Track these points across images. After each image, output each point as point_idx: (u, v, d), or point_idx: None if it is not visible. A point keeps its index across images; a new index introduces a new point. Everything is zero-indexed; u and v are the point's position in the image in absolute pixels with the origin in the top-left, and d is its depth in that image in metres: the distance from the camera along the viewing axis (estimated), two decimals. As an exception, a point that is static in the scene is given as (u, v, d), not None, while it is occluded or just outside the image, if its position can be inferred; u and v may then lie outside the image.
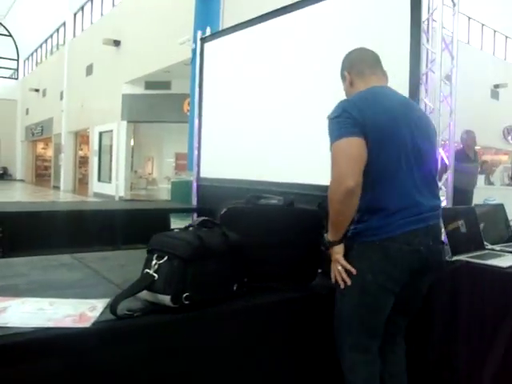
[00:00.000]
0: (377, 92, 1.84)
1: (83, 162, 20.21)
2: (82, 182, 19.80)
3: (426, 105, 3.73)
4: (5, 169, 28.06)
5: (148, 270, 1.63)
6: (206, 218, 1.82)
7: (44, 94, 23.67)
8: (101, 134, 16.97)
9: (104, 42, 14.70)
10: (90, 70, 17.49)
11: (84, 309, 1.53)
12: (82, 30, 19.24)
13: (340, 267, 1.79)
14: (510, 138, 19.28)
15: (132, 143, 15.83)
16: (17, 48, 28.81)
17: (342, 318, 1.84)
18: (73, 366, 1.35)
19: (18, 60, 29.18)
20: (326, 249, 1.86)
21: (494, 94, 18.43)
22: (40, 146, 27.32)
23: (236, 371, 1.76)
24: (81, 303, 1.59)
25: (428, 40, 3.78)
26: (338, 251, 1.80)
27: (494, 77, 18.24)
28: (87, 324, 1.42)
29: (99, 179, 17.09)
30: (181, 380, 1.63)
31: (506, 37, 19.02)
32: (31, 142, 27.21)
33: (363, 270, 1.74)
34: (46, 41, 24.61)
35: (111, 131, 15.75)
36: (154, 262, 1.64)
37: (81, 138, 20.47)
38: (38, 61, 25.98)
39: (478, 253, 2.38)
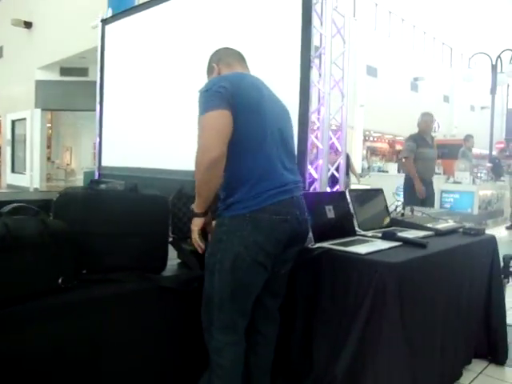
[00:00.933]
0: (246, 74, 1.96)
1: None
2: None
3: (318, 90, 3.67)
4: None
5: None
6: (22, 205, 1.59)
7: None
8: (13, 122, 15.97)
9: (13, 23, 13.72)
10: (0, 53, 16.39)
11: None
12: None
13: (195, 237, 1.85)
14: (428, 129, 20.04)
15: (50, 132, 14.99)
16: None
17: (212, 297, 1.79)
18: None
19: None
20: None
21: (414, 87, 19.13)
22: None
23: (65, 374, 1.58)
24: None
25: (322, 24, 3.72)
26: (196, 223, 1.85)
27: (414, 70, 18.93)
28: None
29: (13, 170, 16.12)
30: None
31: (424, 32, 19.72)
32: None
33: (234, 244, 1.72)
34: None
35: (25, 119, 14.83)
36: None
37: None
38: None
39: (346, 239, 2.28)
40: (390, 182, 9.42)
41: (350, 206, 2.51)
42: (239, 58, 2.04)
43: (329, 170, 3.70)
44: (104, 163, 6.19)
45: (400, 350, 1.85)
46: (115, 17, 5.83)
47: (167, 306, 1.88)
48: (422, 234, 2.56)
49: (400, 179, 9.60)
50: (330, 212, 2.30)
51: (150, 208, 1.89)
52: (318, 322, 2.06)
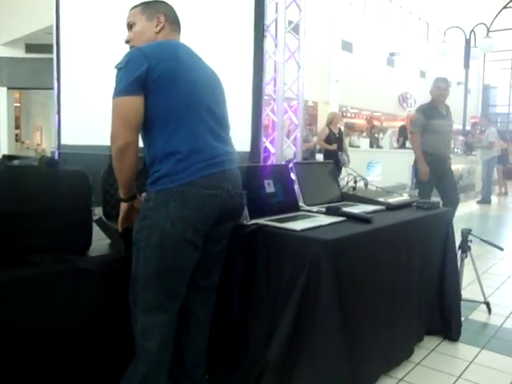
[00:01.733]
0: (170, 43, 1.82)
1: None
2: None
3: (274, 60, 3.54)
4: None
5: None
6: None
7: None
8: (-22, 101, 15.46)
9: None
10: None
11: None
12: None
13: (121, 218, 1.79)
14: (404, 104, 20.07)
15: (18, 112, 14.51)
16: None
17: (137, 277, 1.69)
18: None
19: None
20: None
21: (390, 62, 19.02)
22: None
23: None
24: None
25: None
26: (122, 208, 1.79)
27: (390, 45, 18.79)
28: None
29: (-20, 151, 15.68)
30: None
31: (400, 6, 19.54)
32: None
33: (161, 220, 1.63)
34: None
35: (-10, 99, 14.36)
36: None
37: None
38: None
39: (286, 215, 2.16)
40: (363, 157, 9.39)
41: (295, 179, 2.40)
42: (177, 20, 1.91)
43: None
44: (64, 142, 5.99)
45: (337, 333, 1.75)
46: (69, -13, 5.56)
47: (88, 288, 1.74)
48: (371, 208, 2.46)
49: (371, 155, 9.59)
50: (270, 186, 2.18)
51: (67, 184, 1.74)
52: (253, 304, 1.95)
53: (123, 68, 1.65)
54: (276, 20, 3.51)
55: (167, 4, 1.92)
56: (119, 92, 1.64)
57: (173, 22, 1.88)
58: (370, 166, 8.90)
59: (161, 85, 1.64)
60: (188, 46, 1.84)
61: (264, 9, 3.42)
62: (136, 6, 1.88)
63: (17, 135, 15.55)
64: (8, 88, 13.63)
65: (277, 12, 3.51)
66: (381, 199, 2.65)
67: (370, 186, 3.02)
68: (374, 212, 2.38)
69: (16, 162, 1.74)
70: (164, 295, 1.69)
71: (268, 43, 3.49)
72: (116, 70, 1.69)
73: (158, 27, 1.84)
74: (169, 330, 1.73)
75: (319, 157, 8.31)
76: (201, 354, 1.93)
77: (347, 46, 16.33)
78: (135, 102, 1.63)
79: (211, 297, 1.92)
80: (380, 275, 2.10)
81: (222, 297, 1.99)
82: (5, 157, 1.75)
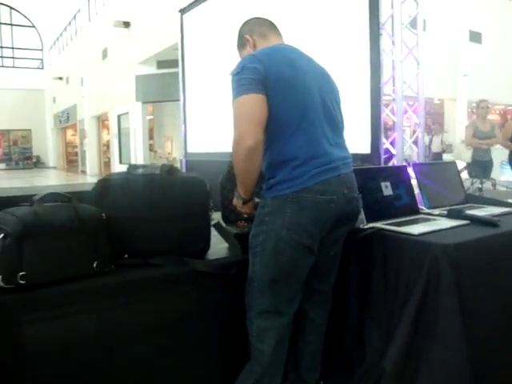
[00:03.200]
0: (281, 47, 1.83)
1: (108, 145, 20.36)
2: (107, 166, 19.95)
3: (391, 59, 3.42)
4: (37, 157, 28.78)
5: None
6: (54, 192, 1.63)
7: (67, 82, 23.93)
8: (119, 116, 17.00)
9: (114, 25, 14.58)
10: (105, 53, 17.48)
11: None
12: (96, 14, 19.19)
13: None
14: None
15: (152, 124, 15.68)
16: (40, 38, 29.21)
17: (252, 280, 1.73)
18: None
19: (42, 50, 29.56)
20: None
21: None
22: (69, 132, 27.76)
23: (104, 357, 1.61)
24: None
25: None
26: (244, 209, 1.82)
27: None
28: None
29: (120, 161, 17.18)
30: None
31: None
32: (60, 129, 27.70)
33: (277, 226, 1.64)
34: (65, 28, 24.73)
35: (128, 113, 15.73)
36: (-10, 240, 1.48)
37: (102, 122, 20.62)
38: (61, 49, 26.22)
39: (404, 218, 2.07)
40: (496, 155, 8.67)
41: (415, 181, 2.30)
42: (272, 26, 1.92)
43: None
44: (189, 150, 6.35)
45: (458, 344, 1.63)
46: (191, 5, 5.90)
47: (206, 290, 1.83)
48: (499, 210, 2.27)
49: (505, 153, 8.79)
50: (387, 189, 2.11)
51: (187, 190, 1.85)
52: (370, 309, 1.90)
53: (240, 73, 1.66)
54: (392, 16, 3.41)
55: (245, 22, 1.96)
56: (241, 91, 1.62)
57: (260, 31, 1.89)
58: (502, 166, 8.20)
59: (277, 91, 1.64)
60: (298, 49, 1.84)
61: (378, 5, 3.33)
62: None
63: (151, 145, 16.80)
64: (142, 102, 14.76)
65: (392, 8, 3.40)
66: (511, 201, 2.44)
67: (499, 187, 2.79)
68: (501, 215, 2.19)
69: (140, 171, 1.88)
70: (279, 299, 1.71)
71: (384, 41, 3.40)
72: (231, 77, 1.70)
73: (249, 46, 1.88)
74: (284, 334, 1.74)
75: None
76: (316, 359, 1.93)
77: (476, 37, 15.21)
78: (259, 99, 1.62)
79: (327, 300, 1.91)
80: (507, 283, 1.93)
81: (338, 301, 1.97)
82: (131, 166, 1.92)
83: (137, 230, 1.79)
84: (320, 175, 1.64)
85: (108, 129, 19.76)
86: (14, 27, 28.64)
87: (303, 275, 1.72)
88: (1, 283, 1.44)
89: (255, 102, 1.61)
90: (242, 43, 1.93)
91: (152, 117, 17.32)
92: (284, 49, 1.81)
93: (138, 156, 15.14)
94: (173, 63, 13.67)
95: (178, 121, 17.72)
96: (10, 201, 1.68)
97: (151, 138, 17.16)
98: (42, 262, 1.51)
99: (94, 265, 1.64)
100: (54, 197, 1.63)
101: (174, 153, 18.41)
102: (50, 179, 20.12)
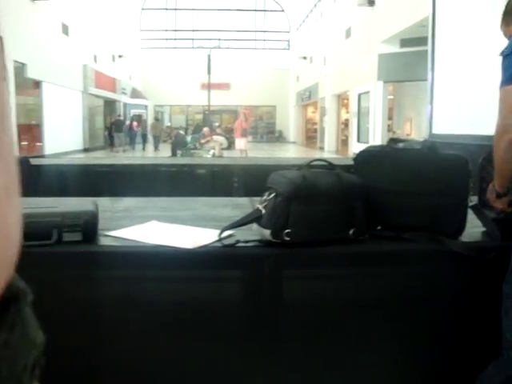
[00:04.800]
0: None
1: (347, 124, 20.81)
2: (344, 143, 20.45)
3: None
4: (280, 132, 31.43)
5: (259, 205, 1.69)
6: (320, 158, 1.76)
7: (311, 61, 25.19)
8: (359, 95, 17.20)
9: (359, 4, 14.71)
10: (348, 32, 17.78)
11: (204, 236, 1.70)
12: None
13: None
14: None
15: (391, 104, 15.45)
16: (288, 21, 31.57)
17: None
18: (159, 279, 1.54)
19: (289, 32, 31.91)
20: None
21: None
22: (310, 110, 29.24)
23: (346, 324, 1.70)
24: (206, 231, 1.77)
25: None
26: (497, 203, 1.74)
27: None
28: (190, 246, 1.59)
29: (358, 140, 17.43)
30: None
31: None
32: (301, 106, 29.45)
33: None
34: (311, 10, 25.87)
35: (368, 92, 15.79)
36: (264, 198, 1.69)
37: (342, 100, 21.12)
38: (306, 30, 27.60)
39: None
40: None
41: None
42: None
43: None
44: (435, 131, 6.08)
45: None
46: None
47: (457, 272, 1.76)
48: None
49: None
50: None
51: (447, 169, 1.80)
52: None
53: (511, 54, 1.52)
54: None
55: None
56: (509, 79, 1.50)
57: None
58: None
59: None
60: None
61: None
62: None
63: (389, 125, 16.64)
64: (384, 82, 14.65)
65: None
66: None
67: None
68: None
69: (401, 145, 1.90)
70: None
71: None
72: (501, 58, 1.57)
73: None
74: None
75: None
76: None
77: None
78: None
79: None
80: None
81: None
82: (392, 139, 1.94)
83: (393, 203, 1.82)
84: None
85: (347, 107, 20.19)
86: (266, 13, 31.53)
87: None
88: (270, 237, 1.62)
89: None
90: (510, 20, 1.72)
91: (392, 97, 17.06)
92: None
93: (376, 135, 15.16)
94: (417, 41, 13.20)
95: (418, 102, 17.26)
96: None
97: (390, 118, 16.95)
98: (305, 223, 1.65)
99: (351, 232, 1.72)
100: (319, 164, 1.75)
101: (412, 134, 17.88)
102: (290, 153, 21.62)
